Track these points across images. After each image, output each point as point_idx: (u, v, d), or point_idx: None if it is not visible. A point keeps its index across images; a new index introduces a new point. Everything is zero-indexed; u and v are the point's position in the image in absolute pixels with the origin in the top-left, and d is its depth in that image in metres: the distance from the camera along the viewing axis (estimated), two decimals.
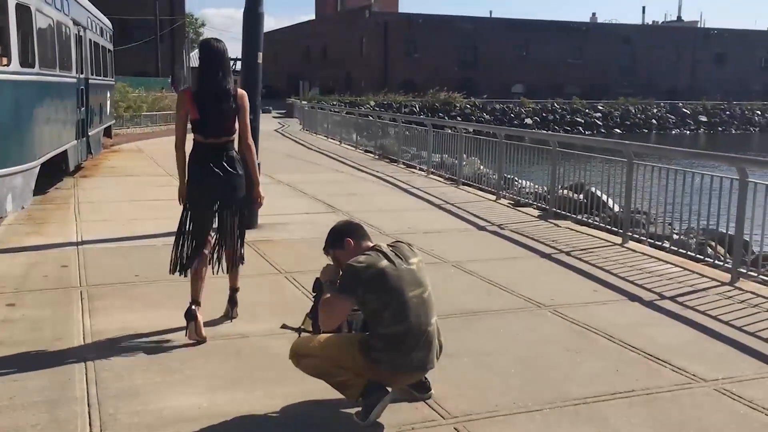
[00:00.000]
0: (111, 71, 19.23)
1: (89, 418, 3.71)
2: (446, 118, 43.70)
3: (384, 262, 3.64)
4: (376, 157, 18.84)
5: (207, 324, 5.18)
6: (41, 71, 9.30)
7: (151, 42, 42.79)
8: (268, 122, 33.32)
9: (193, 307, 4.83)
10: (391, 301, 3.60)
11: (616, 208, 9.29)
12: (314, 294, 3.97)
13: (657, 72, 67.38)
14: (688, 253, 7.56)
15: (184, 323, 5.12)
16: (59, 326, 5.08)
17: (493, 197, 11.67)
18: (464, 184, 13.14)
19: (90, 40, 14.70)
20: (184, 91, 5.09)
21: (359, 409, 3.68)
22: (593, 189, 9.80)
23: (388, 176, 14.48)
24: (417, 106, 50.48)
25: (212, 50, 4.95)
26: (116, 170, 14.88)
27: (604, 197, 9.62)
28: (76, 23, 12.78)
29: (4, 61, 8.21)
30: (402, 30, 61.71)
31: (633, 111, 57.91)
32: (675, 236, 8.32)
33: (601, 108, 57.24)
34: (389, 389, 3.71)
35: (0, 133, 7.68)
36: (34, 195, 8.95)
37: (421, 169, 15.61)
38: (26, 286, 6.07)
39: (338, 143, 23.48)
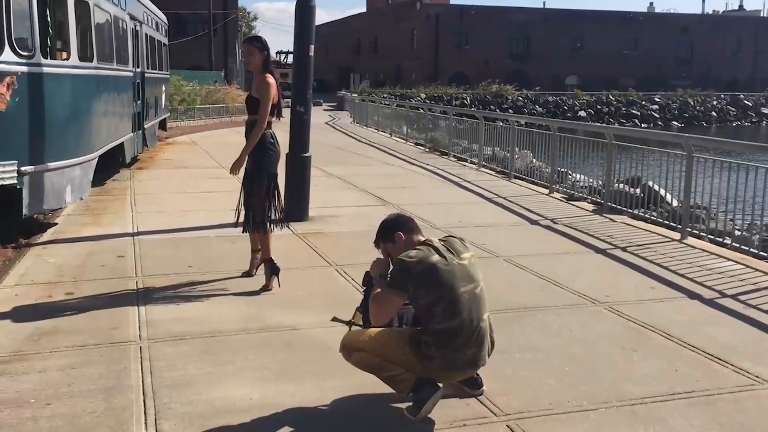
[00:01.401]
0: (166, 65, 19.56)
1: (144, 406, 3.77)
2: (498, 110, 43.36)
3: (435, 257, 3.58)
4: (427, 149, 18.76)
5: (258, 317, 5.23)
6: (99, 65, 9.49)
7: (205, 36, 43.48)
8: (319, 115, 33.51)
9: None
10: (443, 296, 3.55)
11: (675, 203, 9.03)
12: (364, 288, 3.95)
13: (716, 63, 65.55)
14: (751, 249, 7.30)
15: (235, 315, 5.24)
16: (115, 315, 5.18)
17: (546, 191, 11.49)
18: (516, 177, 12.98)
19: (146, 34, 14.96)
20: (276, 80, 5.96)
21: (410, 404, 3.64)
22: (650, 183, 9.55)
23: (438, 169, 14.40)
24: (468, 99, 50.14)
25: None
26: (171, 162, 15.14)
27: (662, 191, 9.37)
28: (132, 18, 13.02)
29: (64, 55, 8.39)
30: (453, 22, 61.35)
31: (692, 103, 56.45)
32: (737, 232, 8.05)
33: (658, 100, 55.94)
34: (440, 385, 3.66)
35: (60, 126, 7.86)
36: (92, 186, 9.15)
37: (472, 163, 15.47)
38: (84, 276, 6.22)
39: (388, 136, 23.46)
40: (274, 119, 6.02)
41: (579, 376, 4.24)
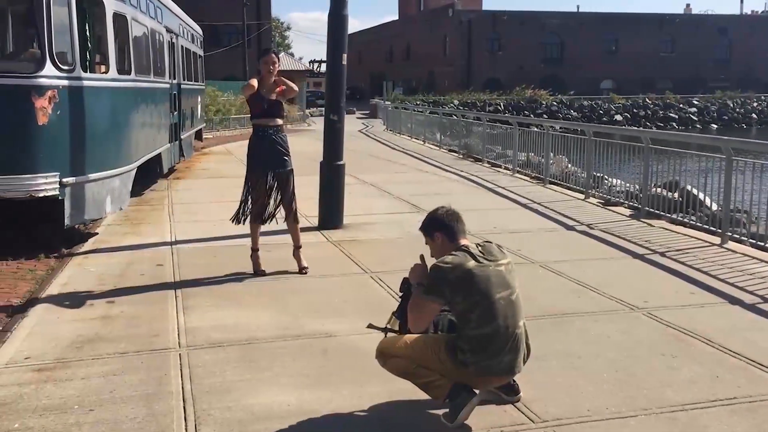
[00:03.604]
0: (201, 76, 19.84)
1: (184, 412, 3.82)
2: (532, 116, 43.07)
3: (471, 263, 3.57)
4: (460, 156, 18.72)
5: (294, 324, 5.27)
6: (137, 78, 9.67)
7: (239, 46, 44.01)
8: (352, 123, 33.64)
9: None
10: (479, 302, 3.54)
11: (714, 207, 8.88)
12: (401, 294, 3.95)
13: (756, 64, 64.24)
14: None
15: (272, 322, 5.29)
16: (155, 323, 5.27)
17: (582, 196, 11.38)
18: (551, 183, 12.88)
19: (182, 46, 15.21)
20: None
21: (446, 410, 3.64)
22: (689, 187, 9.41)
23: (472, 176, 14.36)
24: (501, 105, 49.91)
25: None
26: (207, 172, 15.35)
27: (701, 195, 9.22)
28: (168, 31, 13.24)
29: (103, 68, 8.57)
30: (486, 27, 61.17)
31: (731, 105, 55.40)
32: None
33: (696, 102, 55.03)
34: (476, 391, 3.65)
35: (99, 138, 8.02)
36: (130, 197, 9.32)
37: (506, 169, 15.40)
38: (124, 284, 6.33)
39: (422, 143, 23.47)
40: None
41: (617, 383, 4.19)
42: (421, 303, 3.65)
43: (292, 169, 6.70)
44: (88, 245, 7.94)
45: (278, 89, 6.50)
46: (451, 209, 3.85)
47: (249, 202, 6.67)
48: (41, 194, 7.22)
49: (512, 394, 3.88)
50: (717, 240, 7.97)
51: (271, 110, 6.53)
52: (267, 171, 6.59)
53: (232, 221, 6.83)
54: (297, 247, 6.77)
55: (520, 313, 3.69)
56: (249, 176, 6.63)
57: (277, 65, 6.52)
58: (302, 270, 6.66)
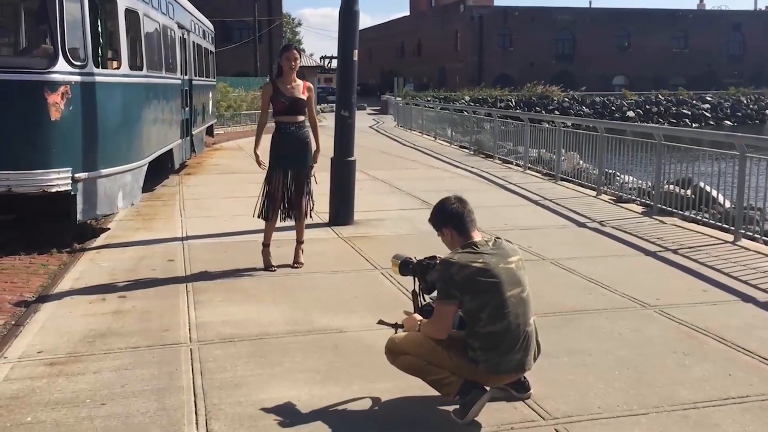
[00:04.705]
0: (213, 72, 19.86)
1: (195, 407, 3.84)
2: (543, 112, 42.93)
3: (479, 262, 3.54)
4: (471, 152, 18.68)
5: (305, 320, 5.28)
6: (149, 73, 9.68)
7: (250, 42, 44.10)
8: (363, 119, 33.63)
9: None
10: (489, 301, 3.52)
11: (728, 204, 8.82)
12: (405, 273, 4.03)
13: None
14: None
15: (282, 317, 5.29)
16: (166, 318, 5.29)
17: (594, 193, 11.33)
18: (563, 179, 12.83)
19: (193, 42, 15.22)
20: None
21: (457, 407, 3.64)
22: (702, 184, 9.35)
23: (483, 172, 14.32)
24: (513, 101, 49.75)
25: None
26: (218, 168, 15.38)
27: (714, 192, 9.16)
28: (180, 27, 13.26)
29: (115, 64, 8.60)
30: (497, 23, 60.99)
31: (745, 101, 54.96)
32: None
33: (709, 99, 54.62)
34: (487, 388, 3.65)
35: (111, 134, 8.05)
36: (142, 192, 9.35)
37: (517, 165, 15.35)
38: (136, 279, 6.36)
39: (433, 139, 23.44)
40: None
41: (629, 380, 4.17)
42: (438, 312, 3.63)
43: (312, 166, 6.72)
44: (99, 240, 7.98)
45: (303, 91, 6.54)
46: (460, 201, 3.74)
47: (267, 197, 6.67)
48: (54, 189, 7.26)
49: (523, 391, 3.87)
50: (730, 237, 7.92)
51: (294, 107, 6.53)
52: (288, 168, 6.60)
53: (260, 217, 6.76)
54: (299, 242, 6.82)
55: (531, 310, 3.68)
56: (270, 172, 6.62)
57: (298, 61, 6.55)
58: (295, 264, 6.72)
